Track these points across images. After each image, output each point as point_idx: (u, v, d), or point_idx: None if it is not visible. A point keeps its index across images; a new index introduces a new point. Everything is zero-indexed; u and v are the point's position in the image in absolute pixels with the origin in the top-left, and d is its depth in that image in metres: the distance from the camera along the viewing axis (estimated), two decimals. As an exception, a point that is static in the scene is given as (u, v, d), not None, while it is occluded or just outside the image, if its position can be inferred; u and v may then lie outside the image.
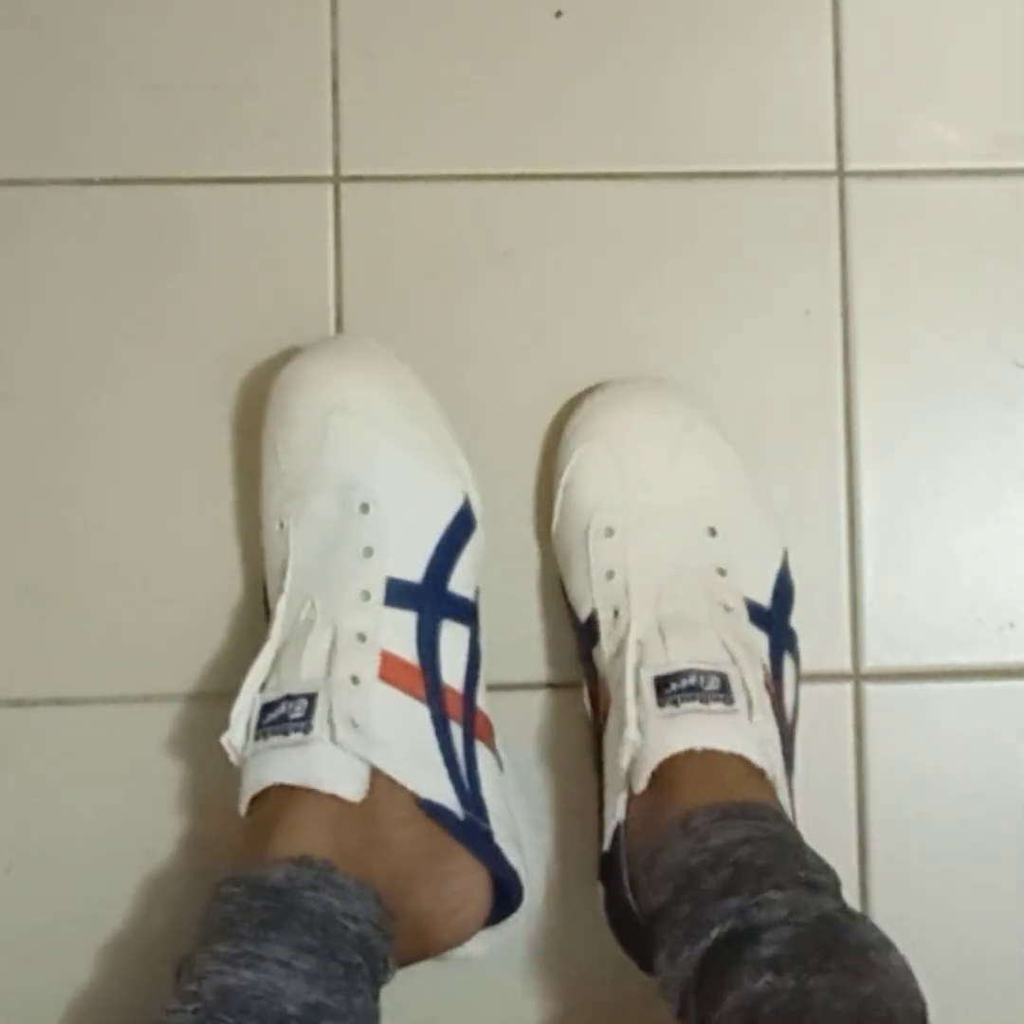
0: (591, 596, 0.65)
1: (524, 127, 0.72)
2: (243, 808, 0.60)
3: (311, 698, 0.59)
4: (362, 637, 0.61)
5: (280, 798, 0.58)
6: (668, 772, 0.58)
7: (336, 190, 0.71)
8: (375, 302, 0.71)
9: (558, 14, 0.72)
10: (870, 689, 0.70)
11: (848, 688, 0.71)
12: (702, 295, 0.72)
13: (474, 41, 0.72)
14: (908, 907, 0.70)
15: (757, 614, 0.65)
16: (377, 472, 0.63)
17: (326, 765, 0.58)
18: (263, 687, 0.61)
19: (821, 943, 0.52)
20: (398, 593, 0.62)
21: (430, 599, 0.63)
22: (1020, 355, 0.72)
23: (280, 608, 0.62)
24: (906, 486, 0.71)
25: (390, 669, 0.61)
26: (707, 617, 0.62)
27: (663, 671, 0.60)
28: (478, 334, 0.71)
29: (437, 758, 0.61)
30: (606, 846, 0.61)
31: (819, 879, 0.55)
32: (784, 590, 0.67)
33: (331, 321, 0.71)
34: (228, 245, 0.71)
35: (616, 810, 0.60)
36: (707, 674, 0.60)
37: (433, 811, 0.60)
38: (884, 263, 0.72)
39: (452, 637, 0.64)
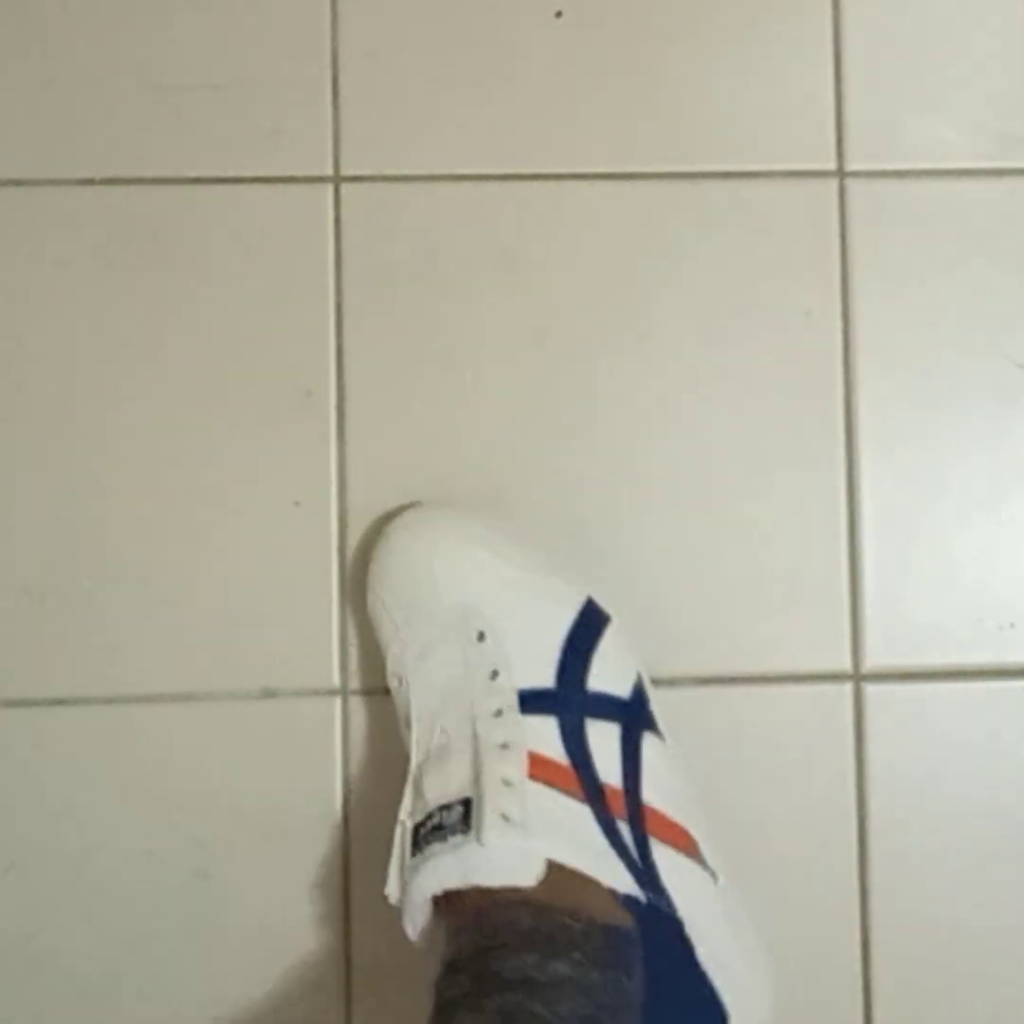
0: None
1: (524, 127, 0.72)
2: (414, 934, 0.59)
3: (465, 803, 0.58)
4: (505, 745, 0.60)
5: (453, 909, 0.58)
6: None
7: (336, 190, 0.71)
8: (375, 302, 0.71)
9: (558, 14, 0.72)
10: (870, 689, 0.71)
11: (848, 688, 0.71)
12: (702, 295, 0.72)
13: (474, 41, 0.72)
14: (908, 907, 0.70)
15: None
16: (485, 599, 0.64)
17: (496, 858, 0.57)
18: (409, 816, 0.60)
19: None
20: (533, 700, 0.61)
21: (568, 700, 0.62)
22: (1020, 355, 0.72)
23: (413, 746, 0.62)
24: (906, 486, 0.71)
25: (541, 769, 0.60)
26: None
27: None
28: (478, 334, 0.71)
29: (610, 852, 0.59)
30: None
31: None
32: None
33: (331, 321, 0.71)
34: (228, 245, 0.71)
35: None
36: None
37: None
38: (884, 263, 0.72)
39: (600, 735, 0.62)
